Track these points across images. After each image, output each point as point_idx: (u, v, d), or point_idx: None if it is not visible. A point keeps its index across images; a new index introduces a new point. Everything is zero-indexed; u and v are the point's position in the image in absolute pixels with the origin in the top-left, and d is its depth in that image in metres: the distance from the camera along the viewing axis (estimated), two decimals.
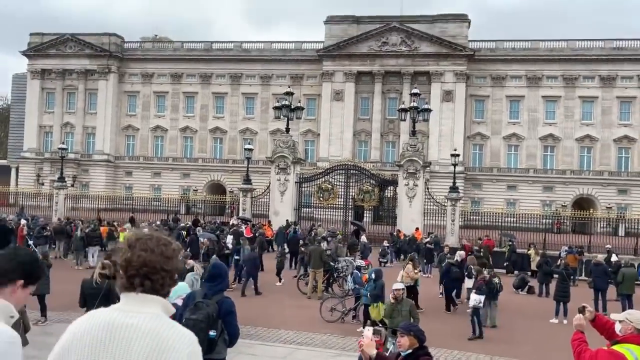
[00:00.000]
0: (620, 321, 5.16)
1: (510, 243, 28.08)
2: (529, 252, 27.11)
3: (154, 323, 2.32)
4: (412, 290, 15.70)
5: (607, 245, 28.96)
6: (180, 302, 7.13)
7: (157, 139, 73.84)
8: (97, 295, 8.52)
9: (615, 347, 5.02)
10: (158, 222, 30.49)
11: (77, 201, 45.68)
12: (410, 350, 4.69)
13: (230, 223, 32.54)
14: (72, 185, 58.69)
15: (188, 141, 73.15)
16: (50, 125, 74.46)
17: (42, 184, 61.42)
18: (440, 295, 19.16)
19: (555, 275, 18.68)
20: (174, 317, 7.06)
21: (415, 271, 17.13)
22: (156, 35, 77.80)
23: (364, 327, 9.84)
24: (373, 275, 13.37)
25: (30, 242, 22.00)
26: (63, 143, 54.09)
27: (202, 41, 73.84)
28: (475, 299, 13.72)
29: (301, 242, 26.14)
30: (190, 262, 12.77)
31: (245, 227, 30.67)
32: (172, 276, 2.46)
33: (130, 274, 2.39)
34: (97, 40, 72.02)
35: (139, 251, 2.39)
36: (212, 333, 5.82)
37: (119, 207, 46.38)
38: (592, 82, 63.06)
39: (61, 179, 42.44)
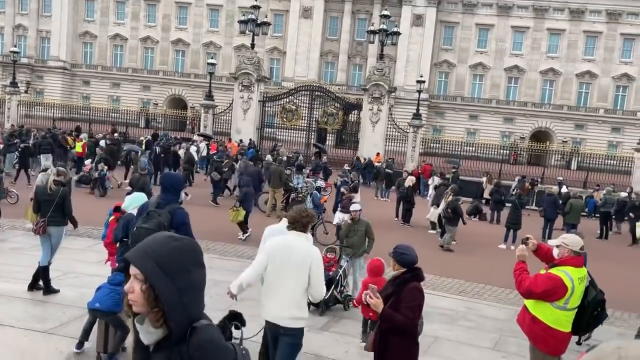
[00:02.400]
0: (557, 246, 5.41)
1: (454, 170, 28.64)
2: (483, 179, 27.96)
3: (304, 244, 5.19)
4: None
5: (559, 177, 29.99)
6: (134, 212, 7.11)
7: (116, 47, 70.87)
8: (51, 202, 8.43)
9: (552, 270, 5.30)
10: (115, 135, 29.83)
11: (30, 108, 44.03)
12: (395, 272, 4.77)
13: (194, 138, 32.19)
14: (26, 92, 56.36)
15: (149, 52, 70.50)
16: (2, 26, 70.36)
17: None
18: (396, 219, 19.75)
19: (508, 204, 19.34)
20: (128, 226, 6.97)
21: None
22: None
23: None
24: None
25: None
26: (15, 46, 51.46)
27: None
28: (339, 216, 14.19)
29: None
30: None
31: (211, 144, 30.41)
32: (307, 225, 5.36)
33: (293, 223, 5.26)
34: None
35: (294, 213, 5.30)
36: None
37: (75, 117, 45.02)
38: (561, 14, 62.87)
39: (13, 84, 40.62)
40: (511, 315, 9.06)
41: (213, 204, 19.73)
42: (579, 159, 46.50)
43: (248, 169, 19.96)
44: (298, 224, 5.22)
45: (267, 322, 5.15)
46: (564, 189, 23.80)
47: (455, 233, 15.95)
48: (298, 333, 5.08)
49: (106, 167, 19.50)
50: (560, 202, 20.12)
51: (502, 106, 64.74)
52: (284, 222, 6.32)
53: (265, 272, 5.10)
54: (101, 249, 8.88)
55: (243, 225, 14.76)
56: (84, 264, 10.44)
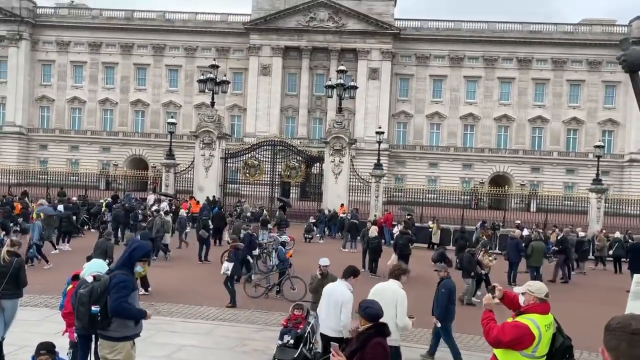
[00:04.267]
0: (522, 293, 5.44)
1: (408, 217, 28.99)
2: (431, 225, 28.36)
3: (392, 286, 7.46)
4: (483, 279, 15.98)
5: (517, 221, 30.59)
6: (89, 279, 6.89)
7: (74, 110, 70.32)
8: (4, 274, 8.10)
9: (519, 319, 5.30)
10: (74, 198, 29.19)
11: None
12: (361, 329, 4.71)
13: (149, 198, 31.73)
14: None
15: (108, 114, 70.14)
16: None
17: None
18: (363, 270, 19.65)
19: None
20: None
21: (490, 259, 16.89)
22: (72, 1, 73.39)
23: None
24: None
25: None
26: None
27: (122, 9, 70.24)
28: (225, 266, 13.83)
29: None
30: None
31: (182, 203, 30.05)
32: (399, 275, 7.76)
33: (391, 274, 7.77)
34: (6, 3, 67.12)
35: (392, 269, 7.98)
36: (94, 308, 5.74)
37: (32, 182, 44.03)
38: (510, 63, 65.69)
39: None
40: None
41: (200, 262, 19.33)
42: (538, 201, 47.67)
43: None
44: (393, 274, 7.53)
45: None
46: (525, 232, 24.19)
47: (473, 286, 15.80)
48: (395, 351, 7.16)
49: (3, 233, 17.70)
50: (523, 245, 20.42)
51: (460, 153, 66.34)
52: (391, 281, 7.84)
53: None
54: (59, 319, 8.52)
55: (146, 281, 14.16)
56: (41, 336, 9.90)
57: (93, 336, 6.91)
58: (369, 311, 4.71)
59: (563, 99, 65.11)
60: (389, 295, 7.27)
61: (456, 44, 65.60)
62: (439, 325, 9.87)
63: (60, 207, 24.52)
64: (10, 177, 42.00)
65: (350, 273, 7.68)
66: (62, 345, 8.36)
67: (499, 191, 45.46)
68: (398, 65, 66.56)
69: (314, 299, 10.37)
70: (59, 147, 68.73)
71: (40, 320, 11.16)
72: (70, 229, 21.80)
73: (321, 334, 7.66)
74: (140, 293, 13.79)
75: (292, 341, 8.95)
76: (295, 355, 8.77)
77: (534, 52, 64.86)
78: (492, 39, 65.07)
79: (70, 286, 7.66)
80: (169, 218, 21.31)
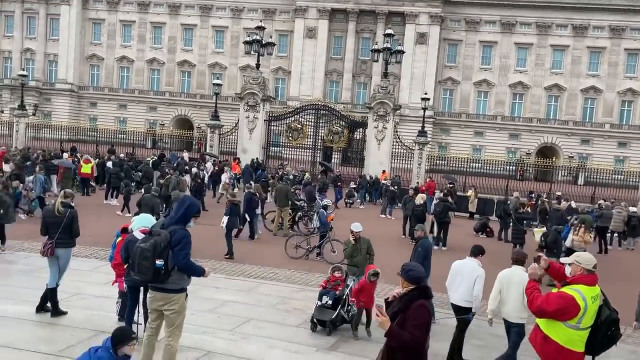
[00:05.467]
0: (569, 264, 5.35)
1: (450, 185, 28.57)
2: (468, 194, 27.98)
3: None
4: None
5: (557, 193, 29.89)
6: (137, 234, 7.12)
7: (122, 69, 71.61)
8: (58, 225, 8.45)
9: (564, 289, 5.23)
10: (122, 155, 29.99)
11: (38, 131, 44.38)
12: (404, 291, 4.73)
13: (184, 156, 32.32)
14: (34, 114, 56.90)
15: (155, 73, 71.16)
16: (10, 50, 71.34)
17: (2, 112, 59.31)
18: (404, 236, 19.67)
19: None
20: (128, 247, 6.97)
21: (590, 235, 16.13)
22: None
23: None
24: None
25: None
26: (23, 69, 52.03)
27: None
28: (223, 220, 14.87)
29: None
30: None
31: (233, 162, 30.55)
32: (521, 260, 7.99)
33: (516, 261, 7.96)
34: None
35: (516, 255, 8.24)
36: (158, 262, 5.83)
37: (82, 139, 45.34)
38: (564, 30, 63.12)
39: (22, 106, 41.04)
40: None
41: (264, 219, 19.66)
42: (586, 174, 46.33)
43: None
44: (518, 261, 7.93)
45: (504, 319, 7.87)
46: (572, 204, 23.60)
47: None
48: (522, 328, 7.78)
49: (20, 184, 17.57)
50: (568, 217, 19.96)
51: (508, 122, 64.75)
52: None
53: (501, 291, 7.76)
54: (109, 270, 8.88)
55: None
56: (92, 286, 10.43)
57: (142, 288, 7.22)
58: (412, 274, 4.73)
59: (619, 68, 62.36)
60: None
61: (508, 9, 63.29)
62: None
63: (109, 164, 25.26)
64: (62, 134, 43.30)
65: (479, 251, 8.56)
66: (112, 295, 8.76)
67: (546, 162, 44.26)
68: (447, 30, 64.85)
69: (349, 263, 10.51)
70: (107, 105, 70.39)
71: (90, 270, 11.66)
72: (118, 184, 22.42)
73: (452, 304, 8.46)
74: None
75: (330, 302, 9.11)
76: (333, 316, 8.94)
77: (590, 18, 62.02)
78: (547, 4, 62.44)
79: (120, 238, 7.94)
80: (186, 177, 21.65)
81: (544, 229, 20.16)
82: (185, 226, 6.08)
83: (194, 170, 25.58)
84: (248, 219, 17.03)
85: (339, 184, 28.98)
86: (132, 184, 22.69)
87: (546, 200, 25.75)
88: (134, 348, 5.16)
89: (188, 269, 6.05)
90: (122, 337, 4.94)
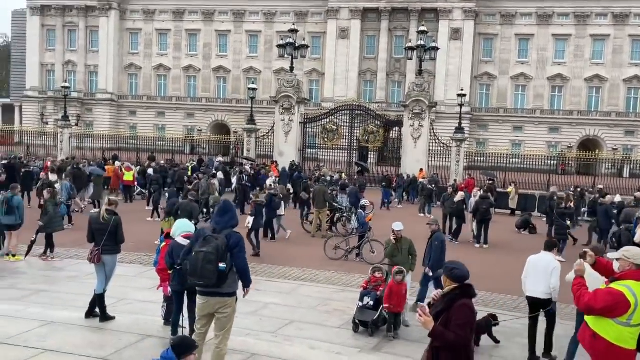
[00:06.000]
0: (617, 259, 5.21)
1: (490, 182, 28.03)
2: (509, 190, 27.43)
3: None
4: None
5: (599, 185, 29.05)
6: (181, 240, 7.25)
7: (160, 78, 73.10)
8: (104, 231, 8.66)
9: (613, 285, 5.09)
10: (162, 162, 30.58)
11: (81, 140, 45.67)
12: (447, 290, 4.70)
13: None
14: (77, 125, 58.46)
15: (191, 80, 72.39)
16: (52, 63, 73.66)
17: (47, 123, 61.20)
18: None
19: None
20: (172, 253, 7.08)
21: None
22: None
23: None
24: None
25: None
26: (66, 81, 53.64)
27: None
28: (248, 220, 15.16)
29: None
30: None
31: (271, 165, 30.91)
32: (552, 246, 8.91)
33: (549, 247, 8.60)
34: None
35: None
36: (222, 265, 5.95)
37: (123, 147, 46.37)
38: (604, 19, 61.39)
39: (65, 117, 42.28)
40: (569, 331, 8.74)
41: (305, 222, 19.91)
42: (631, 166, 44.91)
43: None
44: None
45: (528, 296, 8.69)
46: (617, 198, 22.87)
47: None
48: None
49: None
50: (615, 211, 19.38)
51: (547, 116, 63.35)
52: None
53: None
54: (153, 275, 9.07)
55: None
56: (137, 291, 10.67)
57: (186, 292, 7.36)
58: (456, 272, 4.68)
59: None
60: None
61: (545, 1, 61.94)
62: (431, 274, 10.28)
63: (150, 171, 25.77)
64: (104, 142, 44.43)
65: (553, 245, 8.94)
66: (157, 300, 8.94)
67: (588, 156, 43.09)
68: (481, 24, 63.90)
69: (390, 263, 10.42)
70: (146, 113, 71.94)
71: (135, 275, 11.93)
72: (159, 190, 22.82)
73: (528, 297, 8.58)
74: None
75: (372, 303, 9.09)
76: (375, 317, 8.91)
77: (631, 5, 60.11)
78: None
79: (164, 244, 8.09)
80: (215, 181, 21.90)
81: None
82: (232, 225, 6.25)
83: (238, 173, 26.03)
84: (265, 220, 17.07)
85: (385, 184, 28.21)
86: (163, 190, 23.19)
87: (587, 192, 25.12)
88: (196, 357, 5.09)
89: (247, 272, 6.25)
90: (186, 347, 4.82)
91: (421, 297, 10.42)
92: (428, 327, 4.44)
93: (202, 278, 5.97)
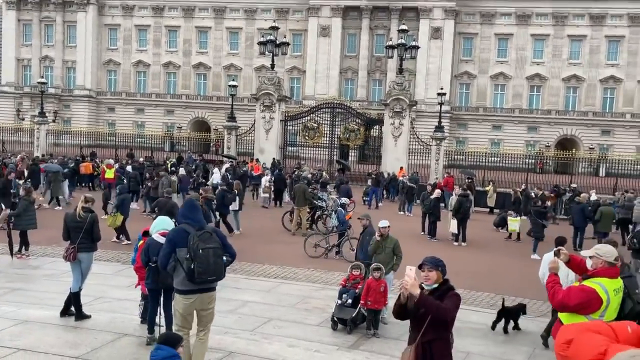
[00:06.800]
0: (590, 257, 5.28)
1: (469, 180, 28.34)
2: (487, 188, 27.76)
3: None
4: None
5: (572, 185, 29.51)
6: (157, 237, 7.19)
7: (139, 74, 72.32)
8: (80, 229, 8.56)
9: (586, 282, 5.16)
10: (141, 159, 30.29)
11: (58, 137, 45.02)
12: (436, 285, 4.71)
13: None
14: (54, 121, 57.65)
15: (171, 77, 71.76)
16: (29, 58, 72.45)
17: (23, 119, 60.27)
18: (422, 233, 19.59)
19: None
20: (149, 250, 7.04)
21: None
22: None
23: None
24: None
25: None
26: (42, 77, 52.80)
27: None
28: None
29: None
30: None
31: (255, 165, 30.73)
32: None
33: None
34: None
35: None
36: (225, 259, 6.16)
37: (102, 144, 45.89)
38: (581, 20, 62.30)
39: (42, 114, 41.63)
40: (544, 328, 8.87)
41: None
42: (607, 165, 45.66)
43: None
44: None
45: None
46: (592, 196, 23.27)
47: None
48: None
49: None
50: (590, 209, 19.71)
51: (526, 115, 64.11)
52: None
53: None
54: (131, 273, 8.98)
55: (124, 230, 15.41)
56: (115, 289, 10.56)
57: (162, 290, 7.30)
58: (444, 268, 4.80)
59: (639, 57, 61.34)
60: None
61: (524, 1, 62.63)
62: None
63: (129, 168, 25.52)
64: (82, 139, 43.85)
65: (564, 241, 9.24)
66: (135, 298, 8.86)
67: (566, 155, 43.71)
68: (461, 24, 64.40)
69: (374, 260, 10.37)
70: (125, 109, 71.14)
71: (113, 274, 11.81)
72: (137, 188, 22.63)
73: None
74: (124, 243, 14.88)
75: (350, 301, 9.11)
76: (353, 315, 8.93)
77: (608, 7, 61.09)
78: None
79: (141, 242, 8.02)
80: (174, 178, 21.80)
81: (518, 218, 20.19)
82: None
83: (220, 172, 25.93)
84: (218, 217, 17.12)
85: (372, 182, 28.37)
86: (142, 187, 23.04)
87: (519, 190, 25.56)
88: (182, 350, 5.29)
89: (232, 262, 6.47)
90: (175, 339, 4.99)
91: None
92: (414, 292, 4.42)
93: (216, 273, 6.03)
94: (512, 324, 9.32)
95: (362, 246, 10.92)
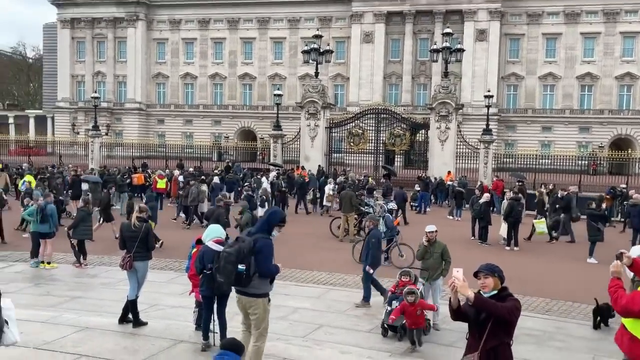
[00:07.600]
0: None
1: (519, 183, 27.52)
2: (540, 191, 26.87)
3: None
4: None
5: (622, 185, 28.38)
6: (212, 245, 7.36)
7: (187, 86, 74.05)
8: (135, 238, 8.81)
9: None
10: (191, 169, 30.94)
11: (111, 149, 46.51)
12: (495, 291, 4.61)
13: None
14: (107, 134, 59.64)
15: (218, 88, 73.17)
16: (82, 74, 75.26)
17: (78, 133, 62.54)
18: (473, 238, 19.26)
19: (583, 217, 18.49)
20: (203, 258, 7.22)
21: None
22: None
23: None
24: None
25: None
26: (95, 92, 54.61)
27: None
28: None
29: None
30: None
31: (303, 171, 31.12)
32: None
33: None
34: None
35: None
36: (240, 267, 6.20)
37: (152, 155, 47.08)
38: (634, 16, 60.13)
39: (95, 127, 43.10)
40: (603, 334, 8.58)
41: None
42: None
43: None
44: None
45: None
46: None
47: None
48: None
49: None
50: None
51: (577, 115, 62.25)
52: None
53: None
54: (184, 280, 9.18)
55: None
56: (169, 296, 10.82)
57: (216, 297, 7.45)
58: (502, 274, 4.70)
59: None
60: None
61: None
62: (371, 272, 10.59)
63: (181, 178, 26.12)
64: (134, 151, 45.17)
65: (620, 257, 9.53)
66: (189, 305, 9.05)
67: (621, 155, 42.15)
68: (507, 24, 63.20)
69: (421, 266, 10.25)
70: (174, 121, 72.93)
71: (167, 281, 12.09)
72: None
73: None
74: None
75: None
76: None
77: None
78: None
79: (195, 249, 8.19)
80: (204, 187, 22.07)
81: (544, 219, 19.46)
82: (270, 235, 6.42)
83: (271, 179, 26.32)
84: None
85: (418, 188, 28.36)
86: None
87: (543, 191, 24.54)
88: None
89: (269, 276, 6.44)
90: (239, 347, 4.89)
91: (366, 295, 10.75)
92: (465, 293, 4.33)
93: (223, 275, 6.34)
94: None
95: (369, 249, 10.89)
